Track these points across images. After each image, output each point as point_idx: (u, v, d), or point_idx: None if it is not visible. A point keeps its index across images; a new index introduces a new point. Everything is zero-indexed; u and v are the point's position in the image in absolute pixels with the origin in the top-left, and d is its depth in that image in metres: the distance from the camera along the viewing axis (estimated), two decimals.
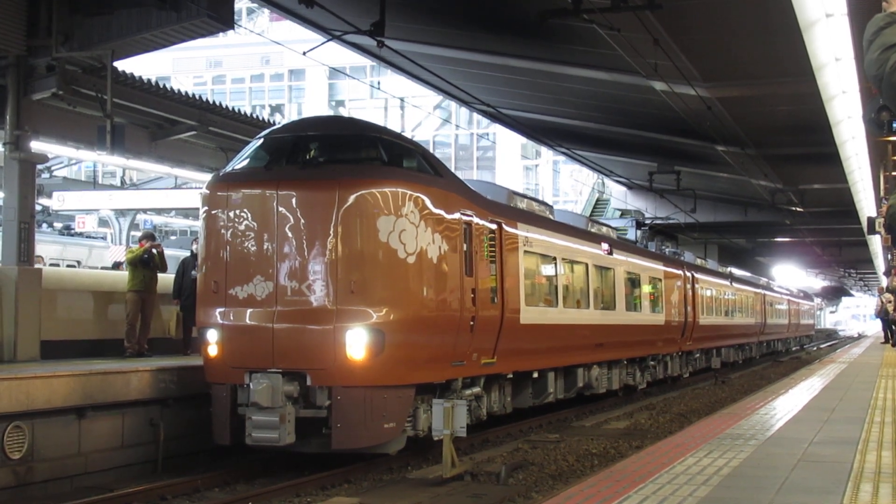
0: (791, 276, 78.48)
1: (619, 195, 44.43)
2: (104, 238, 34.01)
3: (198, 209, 13.19)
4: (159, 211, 32.84)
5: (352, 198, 11.85)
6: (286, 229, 11.94)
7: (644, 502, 6.97)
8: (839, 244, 58.53)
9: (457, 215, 13.10)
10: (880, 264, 51.60)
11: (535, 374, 16.59)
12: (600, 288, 20.32)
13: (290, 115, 68.49)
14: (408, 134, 47.44)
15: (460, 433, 11.88)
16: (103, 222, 33.73)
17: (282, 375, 11.73)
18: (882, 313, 40.65)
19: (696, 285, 29.51)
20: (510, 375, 15.49)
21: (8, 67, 14.78)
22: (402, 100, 56.28)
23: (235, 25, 15.65)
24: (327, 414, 11.78)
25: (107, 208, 29.47)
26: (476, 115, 54.00)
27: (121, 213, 30.17)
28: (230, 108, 19.90)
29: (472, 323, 13.22)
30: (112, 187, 33.63)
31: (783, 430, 11.28)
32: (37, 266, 15.75)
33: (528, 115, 31.16)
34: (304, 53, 17.28)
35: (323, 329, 11.76)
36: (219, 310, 12.24)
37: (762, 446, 9.87)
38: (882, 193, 23.22)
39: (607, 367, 20.57)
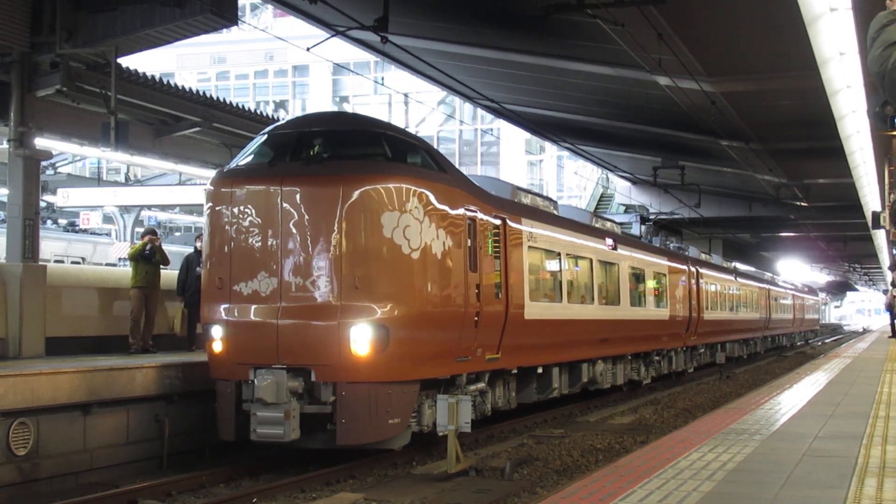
0: (796, 270, 78.39)
1: (623, 190, 44.39)
2: (109, 235, 34.07)
3: (202, 205, 13.20)
4: (164, 207, 32.90)
5: (356, 193, 11.85)
6: (290, 225, 11.95)
7: (649, 497, 6.98)
8: (844, 239, 58.44)
9: (461, 211, 13.10)
10: (885, 259, 51.52)
11: (540, 370, 16.59)
12: (604, 283, 20.31)
13: (293, 111, 68.49)
14: (412, 129, 47.41)
15: (465, 428, 11.89)
16: (108, 219, 33.77)
17: (286, 371, 11.74)
18: (889, 307, 40.65)
19: (701, 280, 29.49)
20: (515, 371, 15.49)
21: (12, 64, 14.79)
22: (405, 95, 56.24)
23: (239, 21, 15.65)
24: (332, 410, 11.79)
25: (111, 205, 29.51)
26: (480, 111, 53.98)
27: (125, 209, 30.22)
28: (234, 105, 19.88)
29: (476, 318, 13.22)
30: (116, 184, 33.70)
31: (788, 425, 11.29)
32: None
33: (532, 111, 31.12)
34: (308, 49, 17.27)
35: (327, 325, 11.76)
36: (223, 306, 12.26)
37: (767, 441, 9.88)
38: (887, 188, 23.18)
39: (612, 363, 20.57)
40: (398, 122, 61.29)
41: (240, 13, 16.55)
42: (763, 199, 40.68)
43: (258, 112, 21.02)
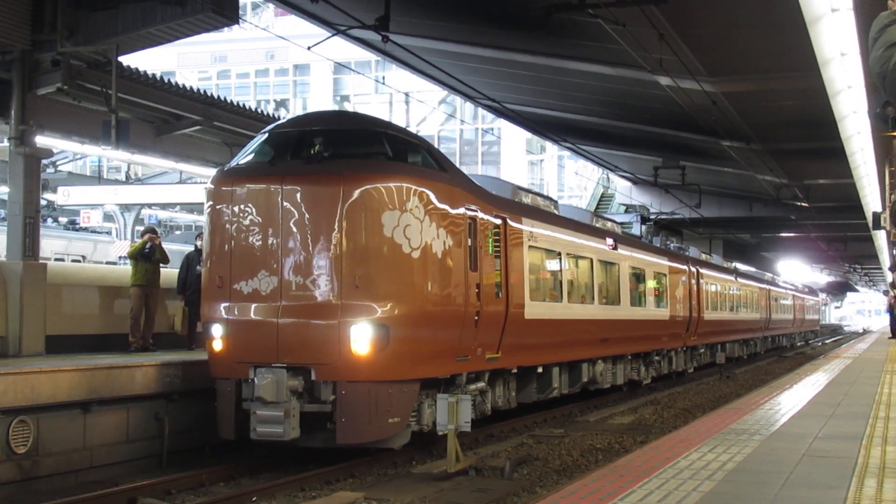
0: (796, 271, 78.42)
1: (623, 190, 44.40)
2: (109, 233, 34.09)
3: (202, 204, 13.20)
4: (164, 206, 32.91)
5: (356, 192, 11.85)
6: (291, 224, 11.95)
7: (648, 497, 6.98)
8: (844, 239, 58.46)
9: (461, 210, 13.10)
10: (885, 259, 51.54)
11: (540, 369, 16.58)
12: (605, 283, 20.31)
13: (294, 110, 68.49)
14: (413, 129, 47.40)
15: (465, 428, 11.89)
16: (108, 217, 33.81)
17: (286, 370, 11.74)
18: (890, 308, 40.67)
19: (701, 280, 29.48)
20: (515, 370, 15.49)
21: (13, 62, 14.78)
22: (406, 95, 56.23)
23: (240, 20, 15.63)
24: (332, 409, 11.79)
25: (112, 203, 29.54)
26: (481, 110, 53.99)
27: (126, 207, 30.25)
28: (235, 103, 19.88)
29: (476, 318, 13.22)
30: (117, 182, 33.71)
31: (788, 426, 11.29)
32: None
33: (532, 111, 31.13)
34: (309, 48, 17.28)
35: (327, 324, 11.77)
36: (223, 304, 12.26)
37: (766, 441, 9.88)
38: (887, 189, 23.18)
39: (612, 362, 20.56)
40: (399, 121, 61.27)
41: (241, 12, 16.52)
42: (763, 200, 40.70)
43: (259, 111, 21.01)
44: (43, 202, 22.20)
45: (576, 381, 18.58)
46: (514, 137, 64.55)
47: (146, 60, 20.38)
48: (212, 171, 15.40)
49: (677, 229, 45.20)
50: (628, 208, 43.84)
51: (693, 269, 28.76)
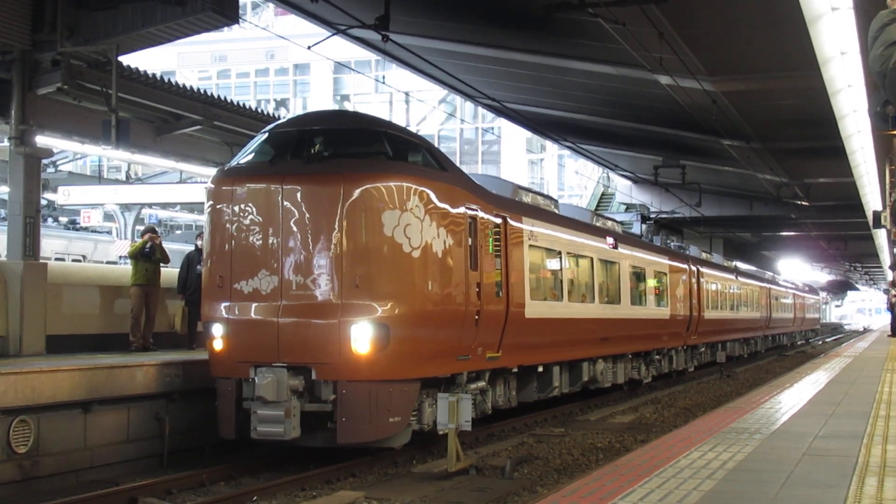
0: (796, 270, 78.39)
1: (624, 189, 44.37)
2: (109, 233, 34.09)
3: (203, 203, 13.20)
4: (164, 205, 32.91)
5: (357, 192, 11.85)
6: (291, 223, 11.95)
7: (649, 496, 6.98)
8: (845, 238, 58.44)
9: (461, 209, 13.10)
10: (886, 258, 51.52)
11: (541, 369, 16.59)
12: (605, 282, 20.31)
13: (294, 110, 68.46)
14: (413, 128, 47.39)
15: (465, 427, 11.89)
16: (108, 217, 33.81)
17: (287, 370, 11.74)
18: (891, 307, 40.72)
19: (701, 279, 29.48)
20: (515, 369, 15.49)
21: (13, 62, 14.77)
22: (406, 94, 56.21)
23: (240, 20, 15.64)
24: (332, 408, 11.80)
25: (112, 203, 29.54)
26: (481, 110, 53.95)
27: (126, 207, 30.25)
28: (235, 103, 19.87)
29: (476, 317, 13.22)
30: (117, 182, 33.73)
31: (788, 425, 11.30)
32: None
33: (533, 110, 31.12)
34: (309, 48, 17.28)
35: (328, 323, 11.77)
36: (224, 304, 12.26)
37: (767, 440, 9.88)
38: (887, 187, 23.16)
39: (612, 361, 20.56)
40: (399, 120, 61.24)
41: (241, 11, 16.52)
42: (764, 199, 40.70)
43: (259, 110, 21.01)
44: (43, 202, 22.20)
45: (576, 380, 18.58)
46: (514, 136, 64.56)
47: (146, 60, 20.36)
48: (212, 171, 15.40)
49: (678, 228, 45.17)
50: (628, 207, 43.81)
51: (693, 268, 28.76)
